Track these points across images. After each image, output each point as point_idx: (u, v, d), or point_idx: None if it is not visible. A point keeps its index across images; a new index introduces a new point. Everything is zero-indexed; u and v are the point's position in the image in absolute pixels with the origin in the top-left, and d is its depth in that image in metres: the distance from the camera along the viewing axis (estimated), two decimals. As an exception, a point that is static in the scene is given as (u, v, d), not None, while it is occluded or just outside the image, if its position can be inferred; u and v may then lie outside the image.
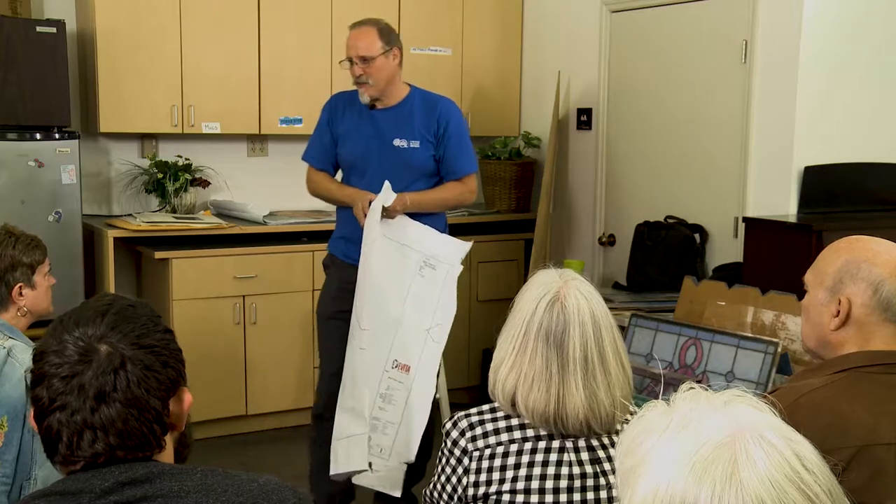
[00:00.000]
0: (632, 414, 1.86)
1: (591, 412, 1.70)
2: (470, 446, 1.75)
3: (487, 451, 1.73)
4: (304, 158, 3.59)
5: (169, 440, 1.29)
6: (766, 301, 3.13)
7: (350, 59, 3.34)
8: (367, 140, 3.43)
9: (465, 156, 3.49)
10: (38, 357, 1.25)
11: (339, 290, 3.46)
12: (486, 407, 1.79)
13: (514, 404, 1.74)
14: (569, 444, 1.73)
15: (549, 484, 1.71)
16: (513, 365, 1.74)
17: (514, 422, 1.75)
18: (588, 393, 1.70)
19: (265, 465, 3.88)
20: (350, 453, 3.32)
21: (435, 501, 1.83)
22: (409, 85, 3.51)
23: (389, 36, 3.38)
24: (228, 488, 1.23)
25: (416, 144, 3.42)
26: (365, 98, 3.39)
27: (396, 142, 3.42)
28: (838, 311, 1.70)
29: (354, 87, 3.43)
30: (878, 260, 1.68)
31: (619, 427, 1.79)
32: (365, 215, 3.31)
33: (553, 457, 1.72)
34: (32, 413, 1.25)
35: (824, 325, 1.73)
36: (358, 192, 3.38)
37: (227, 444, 4.32)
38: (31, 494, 1.26)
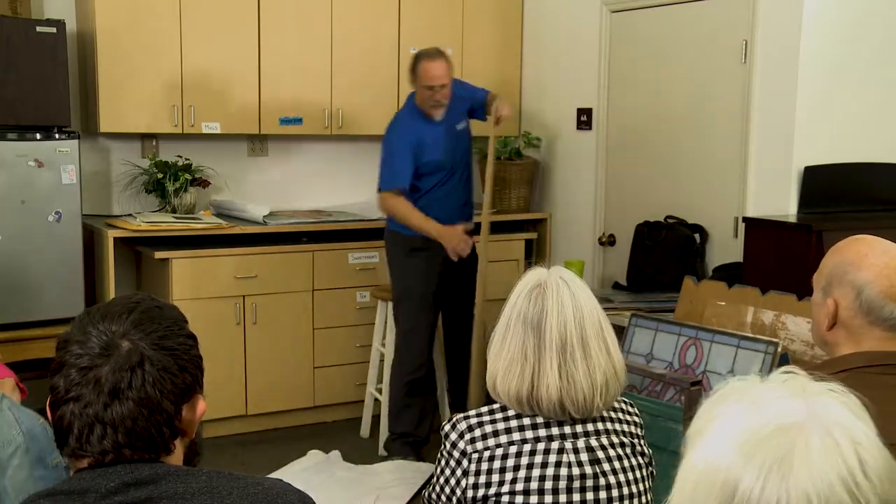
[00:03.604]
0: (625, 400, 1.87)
1: (567, 395, 1.70)
2: (469, 448, 1.75)
3: (487, 453, 1.74)
4: (393, 186, 3.96)
5: (179, 445, 1.29)
6: (766, 301, 3.13)
7: (432, 87, 3.93)
8: (451, 141, 4.05)
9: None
10: (60, 345, 1.25)
11: (431, 270, 4.01)
12: (484, 409, 1.80)
13: (495, 389, 1.77)
14: (568, 445, 1.73)
15: (549, 485, 1.71)
16: (497, 353, 1.77)
17: (513, 423, 1.76)
18: (565, 375, 1.70)
19: (265, 466, 3.88)
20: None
21: (434, 503, 1.83)
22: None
23: (450, 62, 4.03)
24: (233, 491, 1.23)
25: (464, 125, 4.14)
26: (440, 116, 4.00)
27: (458, 126, 4.09)
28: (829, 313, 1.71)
29: (423, 107, 3.99)
30: (864, 263, 1.68)
31: (611, 410, 1.80)
32: (456, 254, 3.92)
33: (552, 458, 1.72)
34: (49, 401, 1.25)
35: (821, 325, 1.74)
36: (446, 230, 3.94)
37: (227, 444, 4.32)
38: (36, 493, 1.27)
